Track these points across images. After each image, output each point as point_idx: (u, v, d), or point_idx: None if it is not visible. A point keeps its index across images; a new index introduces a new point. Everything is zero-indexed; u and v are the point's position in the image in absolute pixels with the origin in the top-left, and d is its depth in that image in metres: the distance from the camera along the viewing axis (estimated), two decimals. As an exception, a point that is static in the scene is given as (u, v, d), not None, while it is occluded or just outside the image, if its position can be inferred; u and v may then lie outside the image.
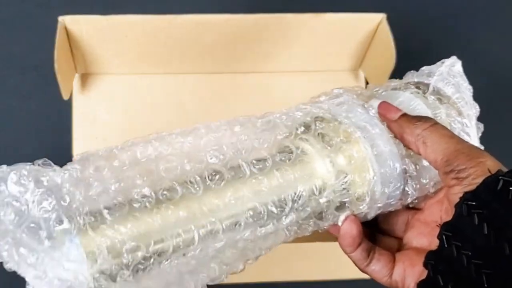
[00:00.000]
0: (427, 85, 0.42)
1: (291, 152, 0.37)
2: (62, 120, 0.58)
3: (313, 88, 0.58)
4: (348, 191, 0.36)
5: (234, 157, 0.36)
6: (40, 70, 0.68)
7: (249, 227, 0.34)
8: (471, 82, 0.76)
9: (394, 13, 0.56)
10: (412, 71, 0.44)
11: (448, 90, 0.42)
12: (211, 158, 0.35)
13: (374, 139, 0.36)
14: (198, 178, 0.34)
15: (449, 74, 0.43)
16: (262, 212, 0.35)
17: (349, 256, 0.38)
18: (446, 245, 0.31)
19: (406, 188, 0.37)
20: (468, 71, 0.76)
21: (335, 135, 0.37)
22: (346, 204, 0.37)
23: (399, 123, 0.36)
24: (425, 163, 0.37)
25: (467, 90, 0.44)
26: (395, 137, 0.37)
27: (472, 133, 0.41)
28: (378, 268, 0.37)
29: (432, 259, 0.32)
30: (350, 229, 0.37)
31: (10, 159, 0.66)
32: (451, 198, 0.32)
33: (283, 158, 0.36)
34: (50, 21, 0.52)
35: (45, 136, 0.65)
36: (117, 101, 0.56)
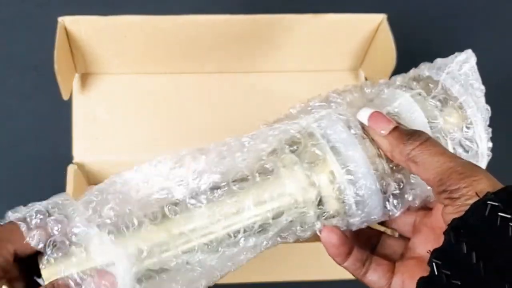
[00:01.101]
0: (436, 83, 0.40)
1: (270, 171, 0.37)
2: (62, 120, 0.58)
3: (313, 88, 0.58)
4: (321, 208, 0.36)
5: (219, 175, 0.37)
6: (40, 70, 0.69)
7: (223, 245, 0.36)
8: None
9: (394, 13, 0.56)
10: (426, 62, 0.43)
11: (455, 91, 0.40)
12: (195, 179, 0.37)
13: (349, 161, 0.36)
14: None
15: (460, 72, 0.41)
16: (241, 230, 0.36)
17: (342, 266, 0.37)
18: (436, 273, 0.30)
19: (388, 206, 0.37)
20: (468, 71, 0.76)
21: (310, 156, 0.36)
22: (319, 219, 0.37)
23: (389, 140, 0.35)
24: (413, 179, 0.36)
25: (479, 90, 0.41)
26: (384, 154, 0.36)
27: (479, 139, 0.39)
28: (375, 278, 0.36)
29: (422, 286, 0.30)
30: (329, 238, 0.36)
31: (10, 159, 0.67)
32: (445, 217, 0.31)
33: (262, 178, 0.37)
34: (50, 21, 0.52)
35: (45, 136, 0.65)
36: (117, 101, 0.56)
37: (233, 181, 0.36)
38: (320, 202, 0.36)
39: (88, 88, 0.56)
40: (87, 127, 0.55)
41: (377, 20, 0.54)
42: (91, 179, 0.57)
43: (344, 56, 0.57)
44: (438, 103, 0.39)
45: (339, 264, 0.37)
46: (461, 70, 0.41)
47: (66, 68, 0.52)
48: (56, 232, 0.33)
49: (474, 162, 0.33)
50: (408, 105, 0.38)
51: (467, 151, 0.38)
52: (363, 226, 0.38)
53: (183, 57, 0.55)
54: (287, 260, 0.54)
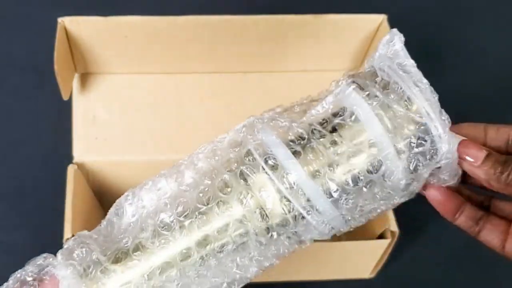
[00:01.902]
0: (370, 76, 0.38)
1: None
2: (62, 120, 0.58)
3: (313, 88, 0.58)
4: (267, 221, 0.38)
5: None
6: (40, 70, 0.69)
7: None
8: (471, 82, 0.77)
9: (395, 13, 0.56)
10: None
11: (385, 75, 0.38)
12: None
13: (285, 177, 0.37)
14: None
15: (389, 58, 0.39)
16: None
17: (455, 224, 0.37)
18: None
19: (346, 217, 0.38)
20: (468, 71, 0.77)
21: (252, 176, 0.38)
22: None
23: (484, 170, 0.35)
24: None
25: (412, 66, 0.38)
26: (480, 184, 0.36)
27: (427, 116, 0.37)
28: (489, 238, 0.36)
29: None
30: (433, 196, 0.37)
31: (10, 159, 0.67)
32: None
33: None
34: (50, 21, 0.52)
35: (45, 136, 0.65)
36: (117, 101, 0.56)
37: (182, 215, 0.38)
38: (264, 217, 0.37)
39: (88, 88, 0.56)
40: (87, 127, 0.55)
41: (378, 20, 0.54)
42: (91, 179, 0.57)
43: (344, 56, 0.57)
44: (381, 99, 0.37)
45: (452, 222, 0.38)
46: (390, 53, 0.39)
47: (66, 68, 0.52)
48: None
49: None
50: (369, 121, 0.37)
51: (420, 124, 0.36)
52: (328, 235, 0.39)
53: (183, 57, 0.55)
54: (287, 260, 0.54)
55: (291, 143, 0.38)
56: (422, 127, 0.36)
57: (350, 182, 0.37)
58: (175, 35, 0.52)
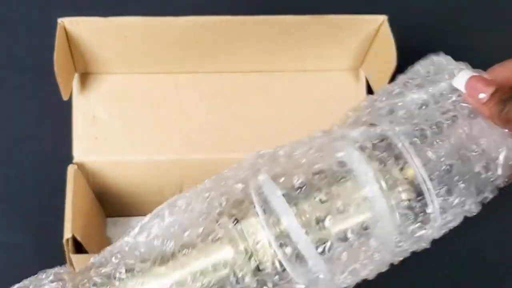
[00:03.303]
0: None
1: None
2: (62, 120, 0.58)
3: (313, 88, 0.59)
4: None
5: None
6: (40, 70, 0.68)
7: None
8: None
9: (395, 13, 0.56)
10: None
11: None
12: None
13: (277, 224, 0.38)
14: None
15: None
16: None
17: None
18: None
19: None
20: (469, 71, 0.76)
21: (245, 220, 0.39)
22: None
23: (489, 107, 0.34)
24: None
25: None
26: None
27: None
28: None
29: None
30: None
31: (10, 159, 0.67)
32: None
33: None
34: (50, 21, 0.52)
35: (45, 136, 0.65)
36: (117, 101, 0.56)
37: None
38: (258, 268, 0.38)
39: (88, 88, 0.56)
40: (87, 127, 0.55)
41: (378, 21, 0.54)
42: (91, 179, 0.57)
43: (344, 57, 0.57)
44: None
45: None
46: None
47: (66, 68, 0.52)
48: None
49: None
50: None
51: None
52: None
53: (183, 57, 0.55)
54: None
55: (289, 190, 0.38)
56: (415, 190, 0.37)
57: (342, 236, 0.38)
58: (175, 36, 0.52)
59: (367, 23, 0.54)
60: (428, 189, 0.37)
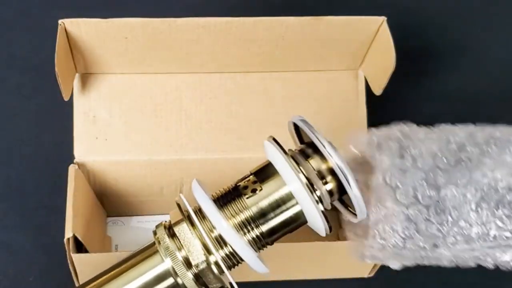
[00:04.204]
0: None
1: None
2: (63, 120, 0.58)
3: (313, 88, 0.59)
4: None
5: None
6: (40, 70, 0.69)
7: None
8: (471, 82, 0.77)
9: (394, 13, 0.56)
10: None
11: None
12: None
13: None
14: None
15: None
16: None
17: None
18: None
19: None
20: (468, 72, 0.77)
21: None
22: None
23: None
24: None
25: None
26: None
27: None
28: None
29: None
30: None
31: (10, 159, 0.67)
32: None
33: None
34: (50, 21, 0.52)
35: (45, 136, 0.66)
36: (118, 101, 0.56)
37: None
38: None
39: (89, 88, 0.56)
40: (87, 127, 0.55)
41: (377, 22, 0.54)
42: (91, 179, 0.57)
43: (344, 57, 0.57)
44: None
45: None
46: None
47: (66, 69, 0.52)
48: None
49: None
50: None
51: None
52: None
53: (184, 58, 0.55)
54: (286, 260, 0.55)
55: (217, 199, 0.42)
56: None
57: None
58: (175, 37, 0.52)
59: (367, 24, 0.54)
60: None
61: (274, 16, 0.52)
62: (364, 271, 0.59)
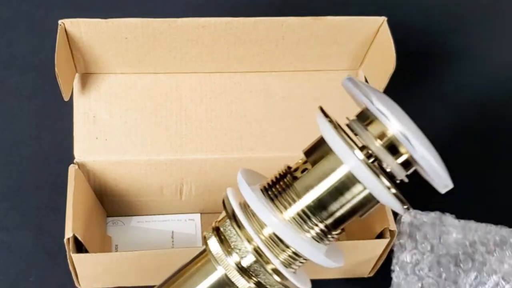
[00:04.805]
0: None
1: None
2: (62, 120, 0.58)
3: (313, 88, 0.59)
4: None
5: None
6: (40, 70, 0.69)
7: None
8: (471, 82, 0.77)
9: (394, 13, 0.56)
10: None
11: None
12: None
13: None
14: None
15: None
16: None
17: None
18: None
19: None
20: (468, 72, 0.77)
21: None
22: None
23: None
24: None
25: None
26: None
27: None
28: None
29: None
30: None
31: (10, 159, 0.67)
32: None
33: None
34: (50, 21, 0.52)
35: (45, 136, 0.66)
36: (118, 101, 0.56)
37: None
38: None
39: (89, 88, 0.56)
40: (87, 127, 0.55)
41: (378, 22, 0.54)
42: (92, 179, 0.57)
43: (344, 57, 0.57)
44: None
45: None
46: None
47: (66, 69, 0.52)
48: None
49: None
50: None
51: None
52: None
53: (183, 58, 0.55)
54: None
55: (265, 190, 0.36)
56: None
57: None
58: (175, 37, 0.52)
59: (367, 24, 0.54)
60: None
61: (274, 16, 0.52)
62: (364, 271, 0.59)
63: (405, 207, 0.33)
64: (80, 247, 0.50)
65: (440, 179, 0.33)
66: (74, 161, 0.55)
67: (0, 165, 0.63)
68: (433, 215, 0.53)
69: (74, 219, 0.49)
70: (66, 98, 0.52)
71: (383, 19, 0.54)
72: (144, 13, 0.52)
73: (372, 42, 0.55)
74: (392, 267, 0.51)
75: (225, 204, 0.38)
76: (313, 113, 0.58)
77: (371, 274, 0.59)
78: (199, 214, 0.63)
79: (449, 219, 0.52)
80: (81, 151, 0.55)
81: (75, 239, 0.49)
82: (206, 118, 0.57)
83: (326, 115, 0.35)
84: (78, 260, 0.50)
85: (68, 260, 0.50)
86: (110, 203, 0.60)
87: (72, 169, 0.53)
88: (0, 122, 0.66)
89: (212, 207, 0.62)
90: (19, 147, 0.65)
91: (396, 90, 0.57)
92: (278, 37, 0.54)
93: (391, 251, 0.54)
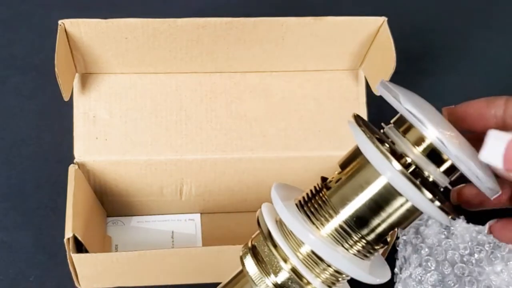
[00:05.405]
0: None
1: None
2: (62, 120, 0.58)
3: (313, 88, 0.59)
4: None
5: None
6: (40, 70, 0.69)
7: None
8: (471, 83, 0.77)
9: (394, 13, 0.56)
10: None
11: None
12: None
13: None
14: None
15: None
16: None
17: None
18: None
19: None
20: (468, 72, 0.77)
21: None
22: None
23: None
24: None
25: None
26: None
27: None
28: None
29: None
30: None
31: (10, 159, 0.67)
32: None
33: None
34: (50, 21, 0.52)
35: (45, 136, 0.66)
36: (118, 101, 0.56)
37: None
38: None
39: (89, 88, 0.56)
40: (87, 127, 0.55)
41: (378, 23, 0.54)
42: (92, 179, 0.57)
43: (344, 57, 0.57)
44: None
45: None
46: None
47: (66, 69, 0.52)
48: None
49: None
50: None
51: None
52: None
53: (184, 58, 0.55)
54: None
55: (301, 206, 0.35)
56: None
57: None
58: (175, 37, 0.52)
59: (367, 24, 0.54)
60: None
61: (274, 16, 0.52)
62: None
63: (450, 217, 0.32)
64: (80, 247, 0.50)
65: (484, 184, 0.32)
66: (74, 161, 0.55)
67: (0, 165, 0.63)
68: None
69: (74, 219, 0.49)
70: (66, 98, 0.52)
71: (383, 19, 0.54)
72: (144, 13, 0.52)
73: (372, 42, 0.55)
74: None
75: (259, 222, 0.36)
76: (313, 113, 0.58)
77: (371, 274, 0.59)
78: (199, 214, 0.63)
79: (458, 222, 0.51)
80: (81, 151, 0.55)
81: (75, 239, 0.49)
82: (206, 118, 0.57)
83: (359, 124, 0.33)
84: (78, 260, 0.50)
85: (68, 260, 0.50)
86: (110, 203, 0.61)
87: (72, 169, 0.53)
88: (0, 122, 0.66)
89: (212, 207, 0.62)
90: (19, 147, 0.65)
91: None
92: (278, 37, 0.54)
93: (392, 252, 0.54)
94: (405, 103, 0.32)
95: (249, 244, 0.37)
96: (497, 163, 0.29)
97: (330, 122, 0.58)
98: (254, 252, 0.36)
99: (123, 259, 0.51)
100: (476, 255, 0.47)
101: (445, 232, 0.49)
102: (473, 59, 0.76)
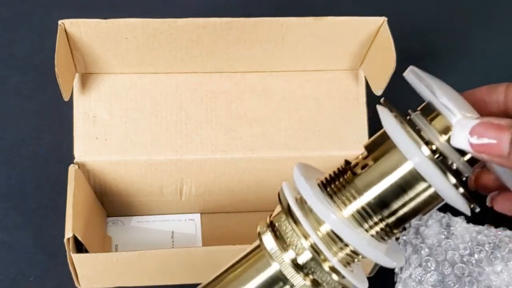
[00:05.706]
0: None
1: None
2: (62, 120, 0.58)
3: (313, 88, 0.59)
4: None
5: None
6: (40, 70, 0.69)
7: None
8: (471, 82, 0.77)
9: (394, 13, 0.56)
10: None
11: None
12: None
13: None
14: None
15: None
16: None
17: None
18: None
19: None
20: (468, 72, 0.77)
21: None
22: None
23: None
24: None
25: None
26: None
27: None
28: None
29: None
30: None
31: (11, 159, 0.67)
32: None
33: None
34: (50, 21, 0.52)
35: (45, 136, 0.66)
36: (118, 101, 0.56)
37: None
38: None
39: (89, 88, 0.56)
40: (87, 127, 0.55)
41: (378, 23, 0.54)
42: (92, 179, 0.57)
43: (344, 57, 0.57)
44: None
45: None
46: None
47: (66, 69, 0.52)
48: None
49: None
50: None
51: None
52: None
53: (184, 58, 0.55)
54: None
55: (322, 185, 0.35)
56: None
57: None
58: (175, 37, 0.52)
59: (367, 24, 0.54)
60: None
61: (274, 16, 0.52)
62: (364, 271, 0.59)
63: (472, 206, 0.32)
64: (80, 247, 0.50)
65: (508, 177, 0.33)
66: (74, 161, 0.55)
67: (0, 165, 0.63)
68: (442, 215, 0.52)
69: (74, 219, 0.49)
70: (66, 98, 0.52)
71: (383, 19, 0.54)
72: (144, 13, 0.52)
73: (372, 42, 0.55)
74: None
75: (280, 198, 0.36)
76: (313, 113, 0.58)
77: (371, 274, 0.59)
78: (199, 214, 0.63)
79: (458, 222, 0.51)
80: (81, 151, 0.55)
81: (75, 239, 0.49)
82: (206, 118, 0.57)
83: (391, 109, 0.33)
84: (78, 260, 0.50)
85: (68, 260, 0.50)
86: (110, 203, 0.61)
87: (72, 169, 0.53)
88: (0, 122, 0.66)
89: (212, 207, 0.62)
90: (19, 147, 0.65)
91: (396, 89, 0.57)
92: (278, 37, 0.54)
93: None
94: (441, 97, 0.33)
95: (267, 221, 0.37)
96: (467, 147, 0.31)
97: (330, 122, 0.58)
98: (273, 228, 0.36)
99: (123, 259, 0.51)
100: (476, 255, 0.47)
101: (445, 233, 0.49)
102: (473, 59, 0.76)
